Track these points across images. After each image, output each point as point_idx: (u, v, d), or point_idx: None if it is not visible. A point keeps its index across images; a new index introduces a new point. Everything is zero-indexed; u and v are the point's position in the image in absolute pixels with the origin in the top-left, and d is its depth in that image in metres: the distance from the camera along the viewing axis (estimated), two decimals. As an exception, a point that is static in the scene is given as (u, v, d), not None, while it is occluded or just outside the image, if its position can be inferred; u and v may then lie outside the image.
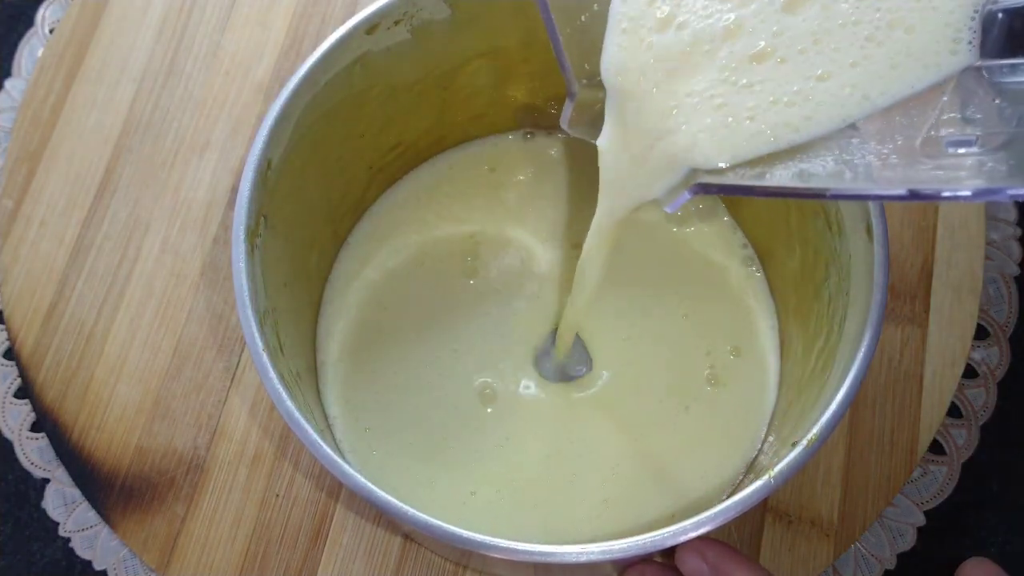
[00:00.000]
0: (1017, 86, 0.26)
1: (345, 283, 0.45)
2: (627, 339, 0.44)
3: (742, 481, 0.41)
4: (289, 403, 0.32)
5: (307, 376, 0.41)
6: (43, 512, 0.45)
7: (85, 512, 0.44)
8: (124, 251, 0.48)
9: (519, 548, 0.30)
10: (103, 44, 0.51)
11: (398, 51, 0.39)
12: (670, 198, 0.30)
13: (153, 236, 0.48)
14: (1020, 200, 0.23)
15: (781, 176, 0.28)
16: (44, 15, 0.53)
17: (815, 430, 0.31)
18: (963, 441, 0.45)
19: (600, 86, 0.31)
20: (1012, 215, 0.49)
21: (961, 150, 0.26)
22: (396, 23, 0.37)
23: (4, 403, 0.47)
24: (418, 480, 0.41)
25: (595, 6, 0.31)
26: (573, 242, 0.45)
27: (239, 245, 0.34)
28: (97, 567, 0.44)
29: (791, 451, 0.31)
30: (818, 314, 0.38)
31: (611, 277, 0.38)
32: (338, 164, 0.41)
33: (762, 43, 0.28)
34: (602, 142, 0.32)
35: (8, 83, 0.52)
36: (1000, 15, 0.27)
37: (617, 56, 0.30)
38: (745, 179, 0.28)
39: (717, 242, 0.45)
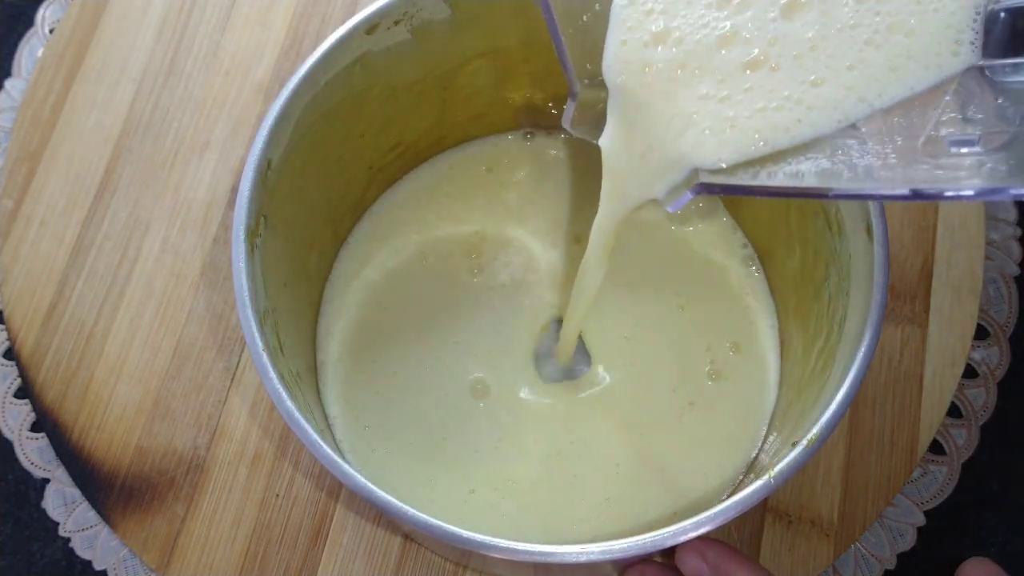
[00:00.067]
0: (1019, 85, 0.26)
1: (345, 283, 0.45)
2: (627, 338, 0.44)
3: (742, 481, 0.41)
4: (289, 403, 0.32)
5: (307, 376, 0.41)
6: (43, 512, 0.45)
7: (85, 512, 0.44)
8: (124, 251, 0.48)
9: (519, 548, 0.30)
10: (103, 44, 0.51)
11: (398, 51, 0.39)
12: (672, 198, 0.30)
13: (153, 236, 0.48)
14: (1022, 200, 0.23)
15: (783, 176, 0.28)
16: (44, 15, 0.53)
17: (815, 430, 0.31)
18: (963, 441, 0.45)
19: (602, 86, 0.31)
20: (1012, 215, 0.49)
21: (964, 149, 0.26)
22: (396, 23, 0.37)
23: (4, 403, 0.47)
24: (418, 480, 0.41)
25: (596, 6, 0.31)
26: (573, 241, 0.45)
27: (239, 245, 0.34)
28: (97, 567, 0.44)
29: (791, 451, 0.31)
30: (818, 314, 0.38)
31: (611, 276, 0.38)
32: (338, 164, 0.41)
33: (756, 51, 0.28)
34: (604, 142, 0.32)
35: (8, 83, 0.52)
36: (1003, 14, 0.27)
37: (619, 56, 0.30)
38: (747, 179, 0.28)
39: (717, 242, 0.45)
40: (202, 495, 0.44)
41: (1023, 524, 0.45)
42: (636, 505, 0.40)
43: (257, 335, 0.33)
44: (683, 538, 0.30)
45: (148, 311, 0.47)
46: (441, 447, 0.42)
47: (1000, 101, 0.27)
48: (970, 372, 0.46)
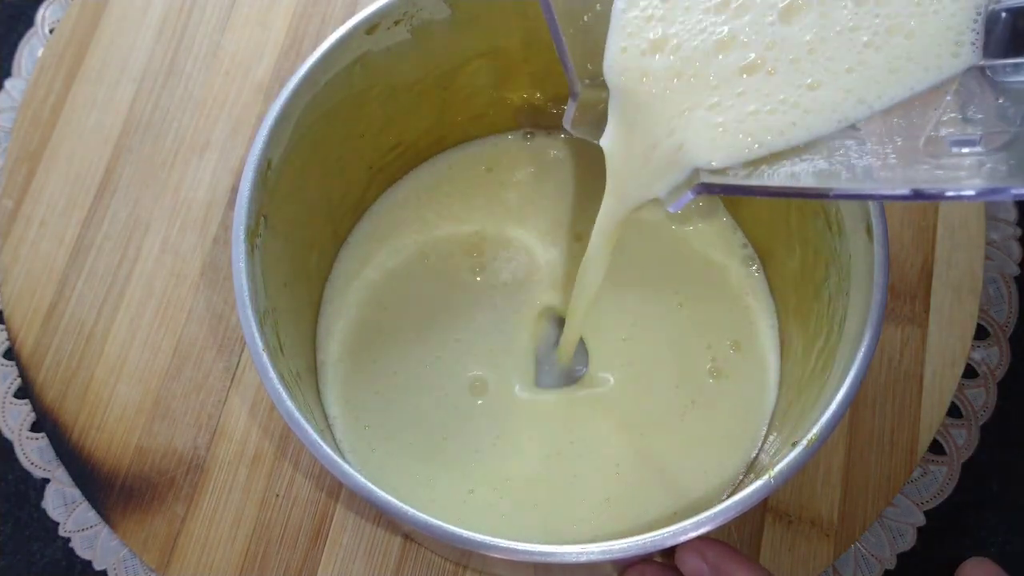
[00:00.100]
0: (1020, 85, 0.26)
1: (345, 283, 0.45)
2: (627, 338, 0.44)
3: (742, 481, 0.41)
4: (289, 403, 0.32)
5: (307, 376, 0.41)
6: (43, 512, 0.45)
7: (85, 512, 0.44)
8: (124, 251, 0.48)
9: (519, 548, 0.30)
10: (103, 44, 0.51)
11: (398, 51, 0.39)
12: (673, 198, 0.30)
13: (153, 236, 0.48)
14: (1022, 200, 0.23)
15: (784, 176, 0.28)
16: (44, 15, 0.53)
17: (815, 430, 0.31)
18: (963, 441, 0.45)
19: (603, 86, 0.31)
20: (1012, 215, 0.49)
21: (965, 149, 0.26)
22: (396, 23, 0.37)
23: (4, 403, 0.47)
24: (417, 480, 0.41)
25: (597, 6, 0.31)
26: (574, 240, 0.45)
27: (239, 245, 0.34)
28: (97, 567, 0.44)
29: (791, 451, 0.31)
30: (818, 314, 0.38)
31: (611, 276, 0.38)
32: (338, 164, 0.41)
33: (752, 55, 0.28)
34: (606, 142, 0.32)
35: (8, 83, 0.52)
36: (1004, 15, 0.27)
37: (620, 57, 0.30)
38: (747, 179, 0.28)
39: (717, 241, 0.45)
40: (202, 495, 0.44)
41: (1023, 524, 0.45)
42: (636, 505, 0.40)
43: (257, 335, 0.33)
44: (683, 538, 0.30)
45: (148, 311, 0.47)
46: (441, 447, 0.42)
47: (1001, 101, 0.27)
48: (970, 372, 0.46)
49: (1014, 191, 0.23)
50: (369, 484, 0.31)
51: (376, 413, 0.42)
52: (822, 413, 0.32)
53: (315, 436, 0.32)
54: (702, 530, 0.30)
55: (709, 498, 0.40)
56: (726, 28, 0.29)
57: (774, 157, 0.28)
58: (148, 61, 0.51)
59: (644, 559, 0.35)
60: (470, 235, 0.46)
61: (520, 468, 0.41)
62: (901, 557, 0.43)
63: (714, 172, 0.29)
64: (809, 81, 0.28)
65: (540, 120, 0.47)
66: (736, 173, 0.29)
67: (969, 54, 0.27)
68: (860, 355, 0.32)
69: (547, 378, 0.43)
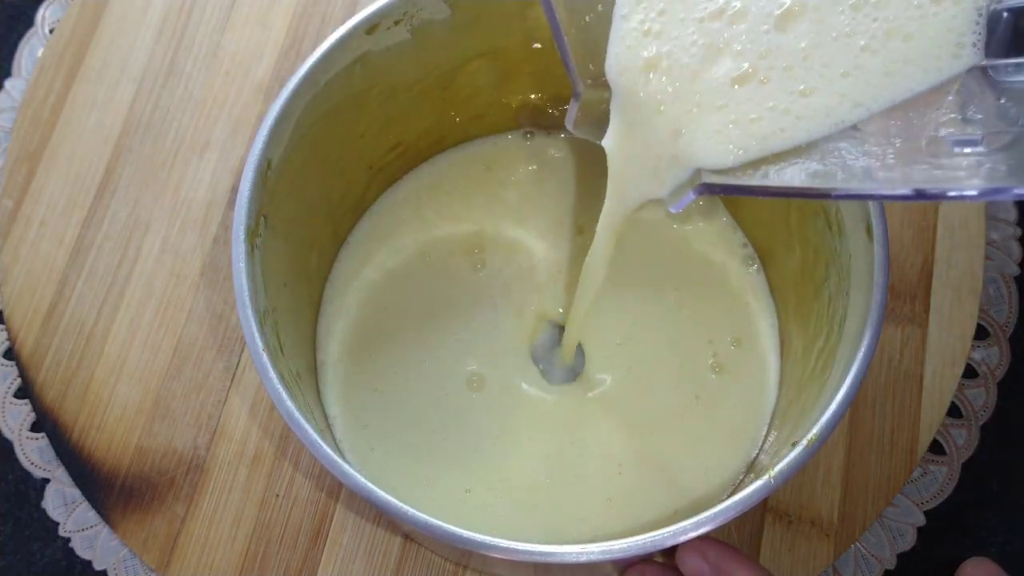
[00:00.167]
0: (1022, 85, 0.26)
1: (345, 283, 0.45)
2: (628, 337, 0.44)
3: (742, 481, 0.41)
4: (289, 403, 0.32)
5: (307, 376, 0.41)
6: (43, 512, 0.45)
7: (85, 512, 0.44)
8: (124, 251, 0.48)
9: (519, 548, 0.30)
10: (103, 44, 0.51)
11: (398, 51, 0.39)
12: (675, 198, 0.30)
13: (153, 236, 0.48)
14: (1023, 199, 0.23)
15: (785, 176, 0.28)
16: (44, 15, 0.53)
17: (815, 430, 0.31)
18: (963, 441, 0.45)
19: (605, 86, 0.31)
20: (1012, 215, 0.49)
21: (967, 149, 0.26)
22: (396, 23, 0.37)
23: (4, 403, 0.47)
24: (417, 479, 0.41)
25: (599, 7, 0.31)
26: (575, 237, 0.45)
27: (239, 245, 0.34)
28: (97, 567, 0.44)
29: (791, 451, 0.31)
30: (818, 314, 0.38)
31: (611, 276, 0.38)
32: (338, 164, 0.41)
33: (746, 64, 0.28)
34: (608, 142, 0.32)
35: (8, 83, 0.52)
36: (1005, 14, 0.27)
37: (622, 57, 0.30)
38: (750, 179, 0.28)
39: (717, 241, 0.45)
40: (202, 495, 0.44)
41: (1023, 524, 0.45)
42: (637, 505, 0.40)
43: (257, 335, 0.33)
44: (683, 538, 0.30)
45: (148, 311, 0.47)
46: (441, 446, 0.42)
47: (1003, 101, 0.26)
48: (970, 372, 0.46)
49: (1016, 191, 0.23)
50: (369, 484, 0.31)
51: (376, 413, 0.42)
52: (822, 413, 0.32)
53: (315, 436, 0.32)
54: (702, 530, 0.30)
55: (710, 497, 0.40)
56: (723, 36, 0.29)
57: (776, 157, 0.28)
58: (148, 61, 0.51)
59: (644, 559, 0.35)
60: (470, 234, 0.46)
61: (520, 468, 0.41)
62: (901, 557, 0.43)
63: (716, 172, 0.29)
64: (802, 87, 0.28)
65: (540, 120, 0.47)
66: (738, 173, 0.29)
67: (970, 55, 0.27)
68: (860, 355, 0.32)
69: (548, 377, 0.43)
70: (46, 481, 0.45)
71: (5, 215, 0.49)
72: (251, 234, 0.34)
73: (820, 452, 0.37)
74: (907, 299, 0.46)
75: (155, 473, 0.44)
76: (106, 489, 0.44)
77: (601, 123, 0.32)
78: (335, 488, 0.44)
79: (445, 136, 0.46)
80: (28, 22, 0.53)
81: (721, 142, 0.29)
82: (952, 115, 0.27)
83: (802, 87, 0.28)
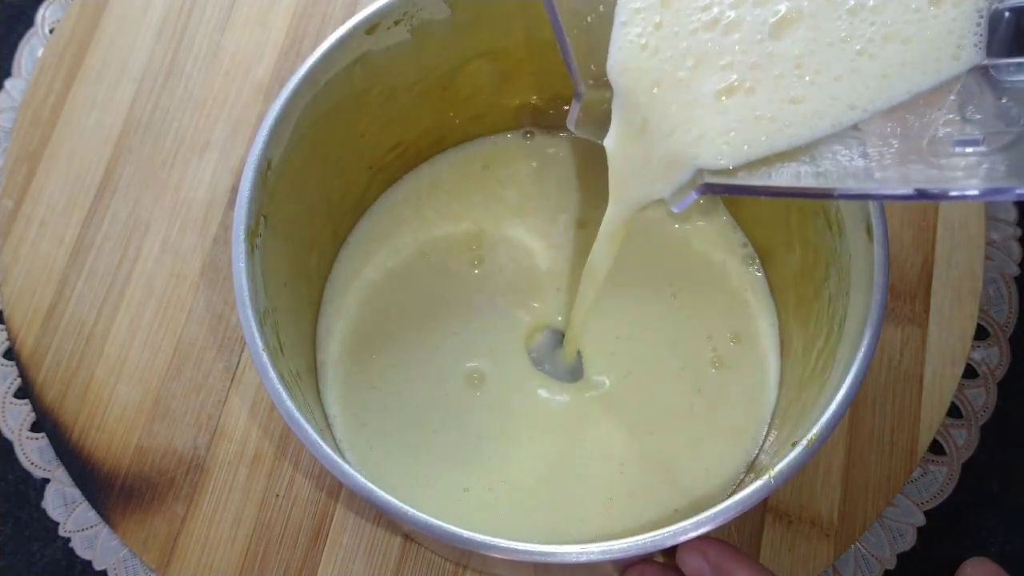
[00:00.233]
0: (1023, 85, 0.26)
1: (345, 283, 0.45)
2: (629, 337, 0.44)
3: (743, 480, 0.41)
4: (289, 403, 0.32)
5: (307, 376, 0.41)
6: (43, 512, 0.45)
7: (85, 512, 0.44)
8: (124, 251, 0.48)
9: (519, 548, 0.30)
10: (103, 44, 0.51)
11: (398, 51, 0.39)
12: (677, 198, 0.30)
13: (153, 236, 0.48)
14: (1024, 199, 0.23)
15: (787, 176, 0.28)
16: (44, 15, 0.53)
17: (815, 430, 0.31)
18: (963, 441, 0.45)
19: (607, 86, 0.31)
20: (1012, 215, 0.49)
21: (968, 149, 0.26)
22: (396, 23, 0.37)
23: (4, 403, 0.47)
24: (417, 479, 0.41)
25: (601, 7, 0.31)
26: (574, 238, 0.45)
27: (239, 245, 0.34)
28: (97, 567, 0.44)
29: (791, 451, 0.31)
30: (818, 314, 0.38)
31: (611, 275, 0.38)
32: (338, 164, 0.41)
33: (735, 76, 0.28)
34: (609, 143, 0.32)
35: (8, 83, 0.52)
36: (1007, 14, 0.27)
37: (623, 57, 0.30)
38: (751, 179, 0.28)
39: (717, 241, 0.45)
40: (202, 495, 0.44)
41: (1023, 524, 0.45)
42: (637, 505, 0.40)
43: (257, 335, 0.33)
44: (683, 538, 0.30)
45: (148, 311, 0.47)
46: (441, 446, 0.42)
47: (1004, 101, 0.26)
48: (970, 372, 0.46)
49: (1017, 191, 0.23)
50: (369, 484, 0.31)
51: (375, 412, 0.42)
52: (822, 413, 0.32)
53: (315, 436, 0.32)
54: (702, 530, 0.30)
55: (710, 497, 0.40)
56: (721, 42, 0.29)
57: (777, 157, 0.28)
58: (148, 61, 0.51)
59: (644, 559, 0.35)
60: (470, 233, 0.46)
61: (520, 467, 0.41)
62: (901, 557, 0.43)
63: (718, 172, 0.29)
64: (793, 94, 0.28)
65: (540, 120, 0.47)
66: (740, 173, 0.29)
67: (971, 55, 0.27)
68: (860, 355, 0.32)
69: (549, 376, 0.43)
70: (46, 481, 0.45)
71: (5, 215, 0.49)
72: (251, 234, 0.34)
73: (820, 452, 0.37)
74: (907, 299, 0.46)
75: (155, 473, 0.44)
76: (106, 489, 0.44)
77: (603, 123, 0.32)
78: (335, 488, 0.44)
79: (445, 136, 0.46)
80: (28, 22, 0.53)
81: (722, 142, 0.29)
82: (952, 115, 0.27)
83: (794, 93, 0.28)
